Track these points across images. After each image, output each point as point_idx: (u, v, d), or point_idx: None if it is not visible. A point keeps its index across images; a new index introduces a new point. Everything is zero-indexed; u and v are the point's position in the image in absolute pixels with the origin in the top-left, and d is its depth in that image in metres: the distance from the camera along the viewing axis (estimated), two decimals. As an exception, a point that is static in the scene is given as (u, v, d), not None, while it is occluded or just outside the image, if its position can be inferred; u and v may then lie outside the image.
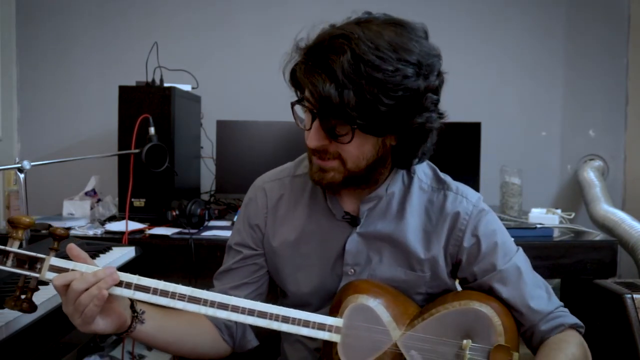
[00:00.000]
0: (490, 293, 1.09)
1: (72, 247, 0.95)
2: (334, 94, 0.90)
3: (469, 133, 2.36)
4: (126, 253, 1.69)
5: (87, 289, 0.90)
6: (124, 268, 1.32)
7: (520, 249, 1.16)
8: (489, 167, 2.40)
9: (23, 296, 0.94)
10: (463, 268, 1.13)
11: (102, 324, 0.94)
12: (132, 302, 1.00)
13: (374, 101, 0.91)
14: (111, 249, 1.68)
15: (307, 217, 1.14)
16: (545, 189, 2.75)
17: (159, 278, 0.97)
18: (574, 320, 1.11)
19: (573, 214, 2.24)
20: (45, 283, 0.95)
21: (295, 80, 0.98)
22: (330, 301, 1.10)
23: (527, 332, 1.10)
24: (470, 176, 2.31)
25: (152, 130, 1.96)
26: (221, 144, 2.38)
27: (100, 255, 1.59)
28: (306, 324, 1.01)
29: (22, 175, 1.45)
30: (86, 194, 2.25)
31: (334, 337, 1.01)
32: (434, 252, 1.11)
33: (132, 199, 2.02)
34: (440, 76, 0.99)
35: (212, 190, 2.53)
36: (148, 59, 2.25)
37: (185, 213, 1.96)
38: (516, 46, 2.72)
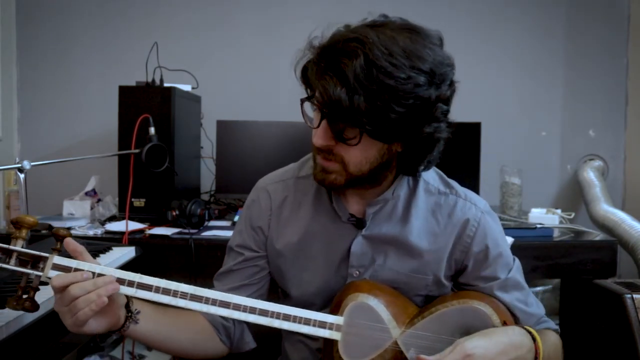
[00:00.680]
0: None
1: (69, 242, 0.94)
2: (345, 98, 0.89)
3: (469, 133, 2.36)
4: (126, 253, 1.70)
5: (83, 295, 0.89)
6: (124, 268, 1.32)
7: (516, 258, 1.19)
8: (489, 167, 2.40)
9: (25, 295, 0.94)
10: (467, 274, 1.13)
11: (93, 325, 0.93)
12: (128, 301, 1.00)
13: (384, 108, 0.90)
14: (111, 249, 1.68)
15: (311, 218, 1.14)
16: (545, 189, 2.75)
17: (159, 278, 0.97)
18: (555, 326, 1.19)
19: (573, 214, 2.24)
20: (45, 283, 0.95)
21: (307, 78, 0.98)
22: None
23: None
24: (470, 176, 2.31)
25: (152, 130, 1.96)
26: (221, 144, 2.38)
27: (101, 255, 1.59)
28: (307, 322, 1.01)
29: (22, 175, 1.44)
30: (86, 194, 2.26)
31: (335, 335, 1.02)
32: (439, 256, 1.12)
33: (132, 199, 2.02)
34: (452, 86, 0.98)
35: (212, 190, 2.53)
36: (148, 59, 2.25)
37: (185, 213, 1.96)
38: (516, 46, 2.72)
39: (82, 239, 1.78)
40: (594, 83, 2.74)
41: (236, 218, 2.17)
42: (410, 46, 0.92)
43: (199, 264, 1.84)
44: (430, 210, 1.12)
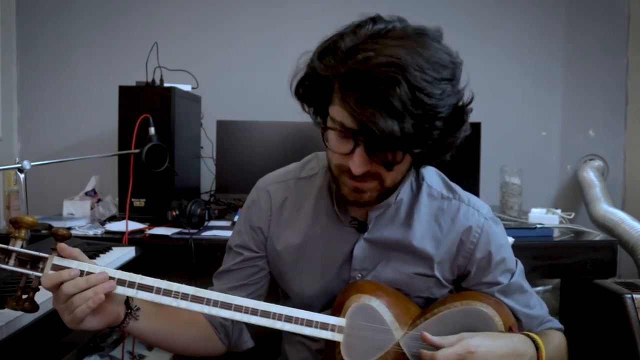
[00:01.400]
0: None
1: (64, 248, 0.94)
2: (397, 129, 0.85)
3: (469, 133, 2.35)
4: (126, 253, 1.70)
5: (78, 293, 0.90)
6: (124, 268, 1.32)
7: (518, 260, 1.19)
8: (489, 167, 2.40)
9: (25, 296, 0.94)
10: (470, 279, 1.13)
11: (92, 322, 0.94)
12: (128, 298, 1.00)
13: (429, 128, 0.89)
14: (111, 249, 1.68)
15: (312, 221, 1.13)
16: (545, 189, 2.75)
17: (159, 278, 0.97)
18: (559, 325, 1.20)
19: (573, 214, 2.24)
20: (46, 283, 0.95)
21: (309, 98, 0.97)
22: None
23: None
24: (470, 176, 2.31)
25: (152, 130, 1.96)
26: (221, 144, 2.38)
27: (100, 255, 1.59)
28: (309, 323, 1.00)
29: (22, 175, 1.44)
30: (86, 194, 2.26)
31: (337, 337, 1.01)
32: (441, 259, 1.12)
33: (132, 199, 2.02)
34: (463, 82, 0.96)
35: (212, 190, 2.53)
36: (148, 59, 2.25)
37: (185, 213, 1.96)
38: (516, 46, 2.72)
39: (82, 239, 1.78)
40: (594, 83, 2.74)
41: (236, 218, 2.17)
42: (432, 56, 0.89)
43: (199, 264, 1.83)
44: (433, 215, 1.12)
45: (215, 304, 0.97)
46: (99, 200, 2.24)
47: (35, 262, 0.93)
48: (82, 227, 2.00)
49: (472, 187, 2.29)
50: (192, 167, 2.43)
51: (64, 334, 1.19)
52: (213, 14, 2.70)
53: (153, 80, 2.20)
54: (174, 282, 0.97)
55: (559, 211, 2.19)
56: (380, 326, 1.03)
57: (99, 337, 2.05)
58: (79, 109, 2.69)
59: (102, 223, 2.08)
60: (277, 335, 1.23)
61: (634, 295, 1.56)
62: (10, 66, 2.61)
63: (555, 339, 1.14)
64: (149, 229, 1.97)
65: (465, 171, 2.30)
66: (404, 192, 1.11)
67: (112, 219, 2.15)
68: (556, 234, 2.08)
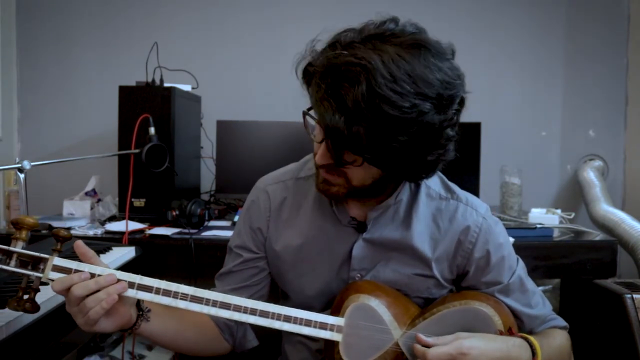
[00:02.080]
0: None
1: (79, 245, 0.95)
2: (343, 125, 0.86)
3: (469, 133, 2.36)
4: (126, 253, 1.69)
5: (89, 295, 0.90)
6: (124, 268, 1.32)
7: (520, 258, 1.18)
8: (489, 167, 2.40)
9: (26, 296, 0.94)
10: (469, 279, 1.13)
11: (105, 324, 0.95)
12: (138, 300, 1.01)
13: (386, 137, 0.87)
14: (111, 249, 1.68)
15: (311, 221, 1.14)
16: (545, 189, 2.75)
17: (159, 278, 0.97)
18: (564, 323, 1.20)
19: (573, 214, 2.24)
20: (46, 284, 0.95)
21: (309, 83, 0.96)
22: None
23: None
24: (470, 176, 2.31)
25: (152, 130, 1.95)
26: (221, 144, 2.38)
27: (100, 255, 1.59)
28: (308, 323, 1.01)
29: (22, 175, 1.44)
30: (86, 194, 2.25)
31: (336, 337, 1.02)
32: (440, 260, 1.12)
33: (132, 199, 2.02)
34: (462, 104, 0.95)
35: (212, 190, 2.53)
36: (148, 59, 2.25)
37: (185, 213, 1.96)
38: (516, 46, 2.72)
39: (82, 239, 1.78)
40: (594, 83, 2.74)
41: (236, 218, 2.17)
42: (416, 69, 0.86)
43: (199, 264, 1.83)
44: (431, 215, 1.12)
45: (215, 304, 0.98)
46: (99, 200, 2.24)
47: (36, 263, 0.93)
48: (82, 227, 2.00)
49: (472, 187, 2.29)
50: (192, 167, 2.43)
51: (64, 334, 1.20)
52: (213, 14, 2.70)
53: (153, 80, 2.20)
54: (173, 282, 0.97)
55: (559, 211, 2.19)
56: (379, 326, 1.03)
57: (98, 337, 2.05)
58: (79, 109, 2.70)
59: (102, 223, 2.08)
60: (277, 335, 1.23)
61: (634, 295, 1.56)
62: (10, 66, 2.62)
63: (557, 339, 1.14)
64: (149, 229, 1.97)
65: (465, 171, 2.30)
66: (404, 193, 1.11)
67: (112, 219, 2.15)
68: (556, 234, 2.08)
